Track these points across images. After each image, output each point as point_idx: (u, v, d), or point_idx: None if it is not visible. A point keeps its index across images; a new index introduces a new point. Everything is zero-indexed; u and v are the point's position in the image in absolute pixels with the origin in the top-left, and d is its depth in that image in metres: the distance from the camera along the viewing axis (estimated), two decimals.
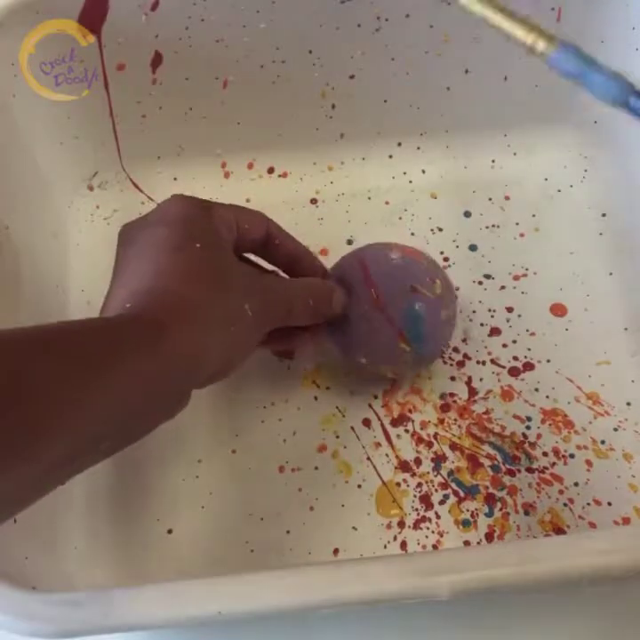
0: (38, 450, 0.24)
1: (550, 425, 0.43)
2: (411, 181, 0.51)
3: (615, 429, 0.43)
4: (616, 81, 0.24)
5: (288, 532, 0.41)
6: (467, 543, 0.40)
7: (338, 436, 0.43)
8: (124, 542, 0.41)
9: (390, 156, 0.51)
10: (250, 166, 0.51)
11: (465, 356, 0.45)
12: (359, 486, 0.42)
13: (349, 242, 0.48)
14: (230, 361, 0.33)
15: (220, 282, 0.32)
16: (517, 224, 0.49)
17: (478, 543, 0.40)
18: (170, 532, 0.41)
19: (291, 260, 0.39)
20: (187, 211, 0.33)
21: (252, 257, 0.38)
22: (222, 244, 0.34)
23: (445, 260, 0.48)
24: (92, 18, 0.42)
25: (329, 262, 0.42)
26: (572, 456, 0.42)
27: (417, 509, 0.41)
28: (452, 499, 0.41)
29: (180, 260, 0.31)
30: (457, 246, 0.48)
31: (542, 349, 0.45)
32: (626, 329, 0.46)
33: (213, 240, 0.33)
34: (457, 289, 0.44)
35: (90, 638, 0.31)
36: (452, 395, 0.44)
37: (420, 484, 0.41)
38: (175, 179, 0.50)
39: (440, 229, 0.49)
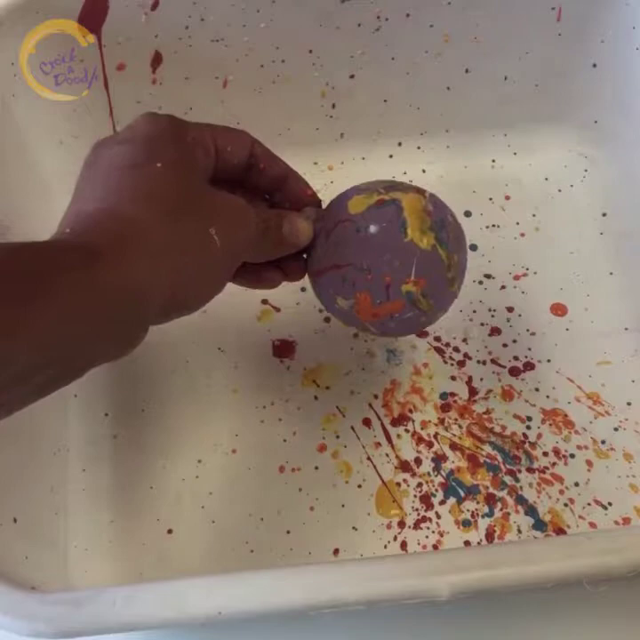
0: None
1: (551, 425, 0.43)
2: (411, 181, 0.50)
3: (615, 429, 0.43)
4: None
5: (288, 532, 0.41)
6: (467, 543, 0.40)
7: (338, 436, 0.43)
8: (124, 542, 0.41)
9: (390, 156, 0.51)
10: None
11: (465, 355, 0.45)
12: (359, 486, 0.42)
13: None
14: (190, 292, 0.29)
15: (178, 203, 0.28)
16: (517, 224, 0.49)
17: (478, 543, 0.40)
18: (170, 532, 0.41)
19: (275, 186, 0.36)
20: (155, 128, 0.31)
21: None
22: (191, 166, 0.31)
23: None
24: (92, 18, 0.42)
25: None
26: (572, 456, 0.42)
27: (417, 509, 0.41)
28: (452, 499, 0.41)
29: (133, 179, 0.29)
30: None
31: (542, 349, 0.45)
32: (626, 329, 0.46)
33: (179, 160, 0.30)
34: None
35: (90, 638, 0.31)
36: (452, 394, 0.44)
37: (420, 484, 0.41)
38: None
39: None
